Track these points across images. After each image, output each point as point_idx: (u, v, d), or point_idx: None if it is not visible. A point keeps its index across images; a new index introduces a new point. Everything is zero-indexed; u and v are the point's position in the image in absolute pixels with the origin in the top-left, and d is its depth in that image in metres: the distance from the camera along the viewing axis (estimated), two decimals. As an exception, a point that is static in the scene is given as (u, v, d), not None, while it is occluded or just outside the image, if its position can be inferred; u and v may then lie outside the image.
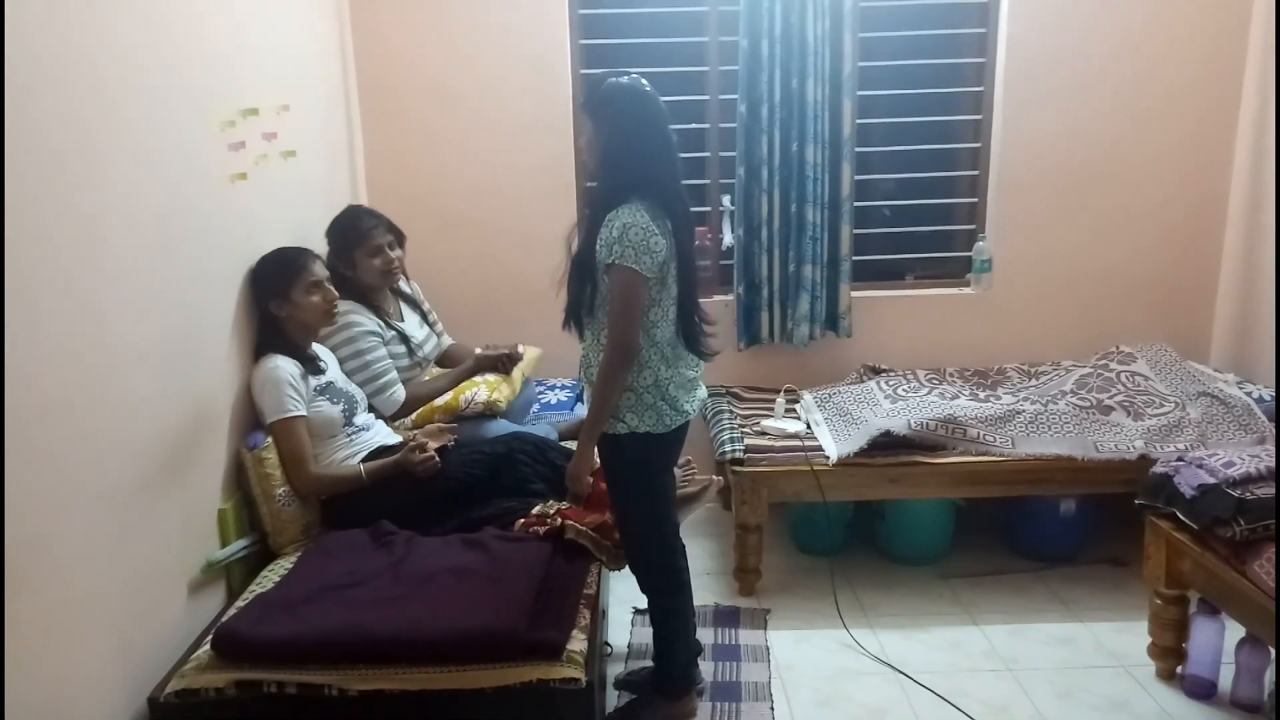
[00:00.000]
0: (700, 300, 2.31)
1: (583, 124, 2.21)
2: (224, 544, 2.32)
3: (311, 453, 2.46)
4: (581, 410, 3.43)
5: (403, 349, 2.95)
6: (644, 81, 2.20)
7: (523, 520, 2.37)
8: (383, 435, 2.67)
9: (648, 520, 2.34)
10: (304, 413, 2.45)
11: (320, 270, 2.56)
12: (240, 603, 2.14)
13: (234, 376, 2.41)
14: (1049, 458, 3.02)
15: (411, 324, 3.07)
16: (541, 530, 2.33)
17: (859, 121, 3.54)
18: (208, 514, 2.28)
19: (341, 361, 2.75)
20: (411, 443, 2.54)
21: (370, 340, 2.84)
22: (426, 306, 3.23)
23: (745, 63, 3.43)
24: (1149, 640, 2.67)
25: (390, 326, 2.94)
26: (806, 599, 3.14)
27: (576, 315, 2.24)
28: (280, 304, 2.49)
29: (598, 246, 2.14)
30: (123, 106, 1.93)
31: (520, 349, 3.10)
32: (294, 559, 2.32)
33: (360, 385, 2.74)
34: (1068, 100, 3.61)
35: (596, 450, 2.30)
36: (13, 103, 1.57)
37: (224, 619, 2.03)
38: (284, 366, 2.44)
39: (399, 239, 3.01)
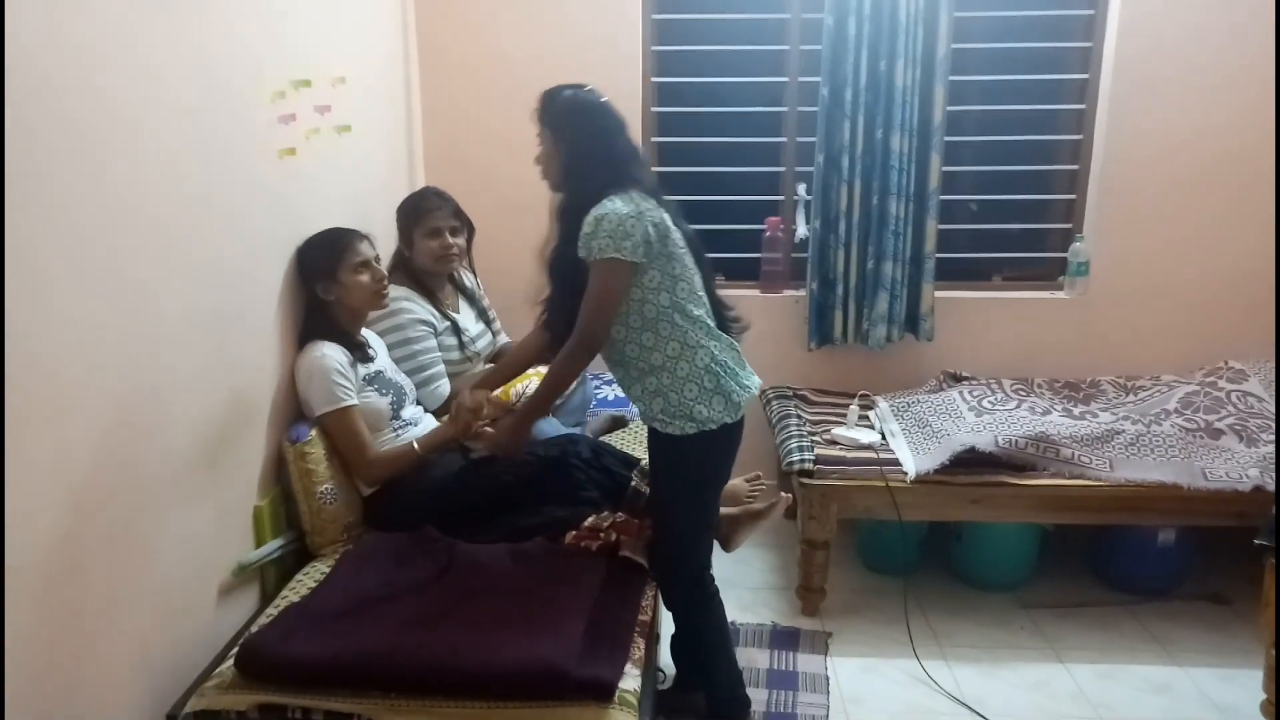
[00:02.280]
0: (768, 294, 2.15)
1: (542, 133, 2.14)
2: (259, 544, 2.19)
3: (369, 439, 2.34)
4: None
5: (454, 341, 2.79)
6: (598, 93, 2.15)
7: (574, 533, 2.20)
8: (424, 428, 2.50)
9: (695, 530, 2.18)
10: (355, 401, 2.31)
11: (367, 249, 2.40)
12: (272, 610, 2.00)
13: (277, 364, 2.27)
14: (1151, 484, 2.75)
15: (467, 317, 2.91)
16: (594, 545, 2.15)
17: (949, 108, 3.27)
18: (243, 511, 2.15)
19: (389, 349, 2.60)
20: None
21: (420, 329, 2.69)
22: (486, 303, 3.07)
23: (830, 42, 3.19)
24: (1263, 696, 2.40)
25: (445, 316, 2.79)
26: (874, 622, 2.92)
27: (563, 327, 2.11)
28: (327, 286, 2.34)
29: (579, 250, 2.02)
30: (163, 72, 1.78)
31: None
32: (331, 562, 2.18)
33: (406, 375, 2.60)
34: (1182, 91, 3.30)
35: (655, 454, 2.16)
36: (36, 66, 1.42)
37: (250, 632, 1.89)
38: (331, 355, 2.29)
39: (465, 228, 2.87)
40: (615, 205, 1.98)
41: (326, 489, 2.25)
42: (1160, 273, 3.44)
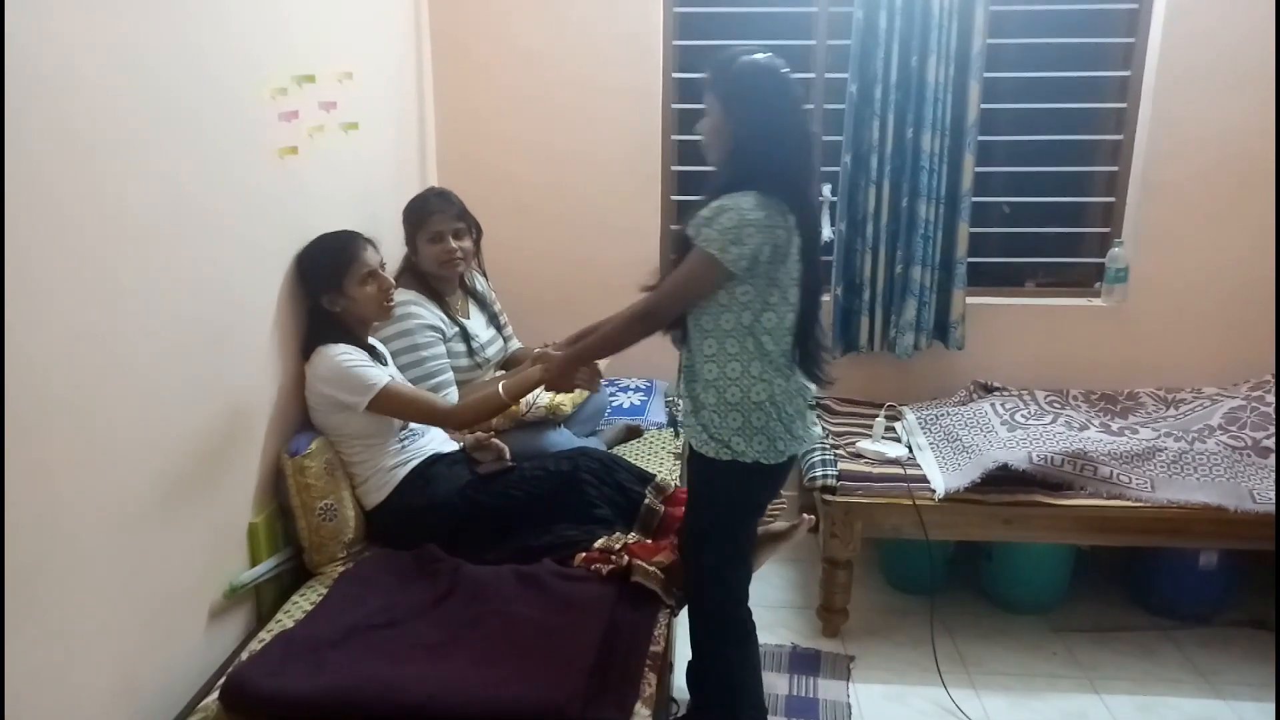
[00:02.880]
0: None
1: (710, 103, 1.93)
2: (254, 562, 2.09)
3: (426, 395, 2.30)
4: (655, 412, 3.14)
5: (463, 347, 2.68)
6: (781, 62, 1.92)
7: (584, 555, 2.09)
8: (438, 442, 2.40)
9: (723, 561, 2.05)
10: (388, 379, 2.21)
11: (372, 256, 2.29)
12: (264, 634, 1.90)
13: (274, 373, 2.17)
14: (1195, 506, 2.60)
15: (477, 323, 2.80)
16: (605, 569, 2.04)
17: (983, 106, 3.12)
18: (237, 529, 2.05)
19: (395, 355, 2.50)
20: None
21: (428, 335, 2.58)
22: (498, 307, 2.96)
23: (859, 37, 3.05)
24: (1315, 737, 2.26)
25: (454, 322, 2.69)
26: (899, 645, 2.79)
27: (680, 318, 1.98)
28: (333, 298, 2.23)
29: (688, 226, 1.89)
30: (154, 66, 1.68)
31: None
32: (330, 581, 2.08)
33: (412, 384, 2.49)
34: (1229, 88, 3.12)
35: (693, 473, 2.05)
36: (21, 55, 1.32)
37: (239, 661, 1.79)
38: (347, 351, 2.20)
39: (472, 230, 2.75)
40: (746, 204, 1.83)
41: (326, 504, 2.15)
42: (1203, 280, 3.28)
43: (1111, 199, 3.33)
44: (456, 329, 2.69)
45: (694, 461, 2.02)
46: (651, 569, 2.05)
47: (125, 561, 1.65)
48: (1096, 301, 3.36)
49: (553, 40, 3.24)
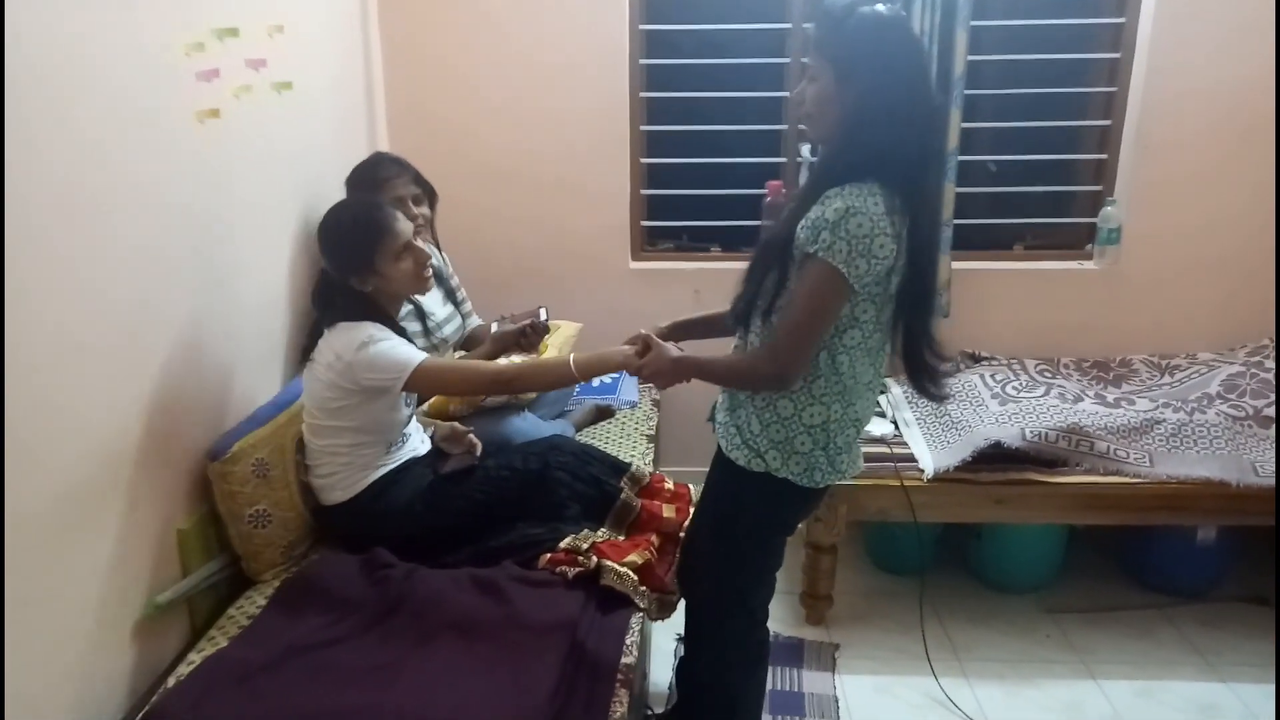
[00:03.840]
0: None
1: (817, 66, 1.60)
2: (185, 571, 1.89)
3: (470, 364, 2.12)
4: (628, 390, 2.96)
5: (418, 326, 2.48)
6: (904, 15, 1.62)
7: (549, 556, 1.91)
8: (416, 441, 2.19)
9: (750, 582, 1.87)
10: (424, 354, 1.97)
11: (406, 228, 2.03)
12: (194, 656, 1.71)
13: (199, 366, 1.95)
14: (1196, 481, 2.47)
15: (433, 299, 2.59)
16: (571, 572, 1.86)
17: (969, 59, 2.93)
18: (164, 535, 1.85)
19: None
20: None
21: None
22: (455, 282, 2.75)
23: (838, -17, 2.83)
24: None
25: (407, 299, 2.47)
26: (887, 632, 2.66)
27: (748, 314, 1.69)
28: (364, 278, 1.98)
29: (801, 227, 1.58)
30: (68, 15, 1.45)
31: (543, 314, 2.53)
32: (269, 591, 1.89)
33: None
34: (1228, 39, 2.95)
35: (715, 478, 1.85)
36: None
37: (164, 688, 1.60)
38: (377, 333, 1.95)
39: (428, 196, 2.55)
40: (875, 206, 1.52)
41: (256, 511, 1.94)
42: (1199, 241, 3.13)
43: (1104, 156, 3.16)
44: (410, 306, 2.48)
45: (718, 466, 1.80)
46: (623, 570, 1.88)
47: (25, 582, 1.45)
48: (1088, 264, 3.21)
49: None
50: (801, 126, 2.55)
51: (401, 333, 2.05)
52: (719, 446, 1.81)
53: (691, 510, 2.10)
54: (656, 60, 3.15)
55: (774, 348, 1.62)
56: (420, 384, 1.96)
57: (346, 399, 1.96)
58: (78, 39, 1.54)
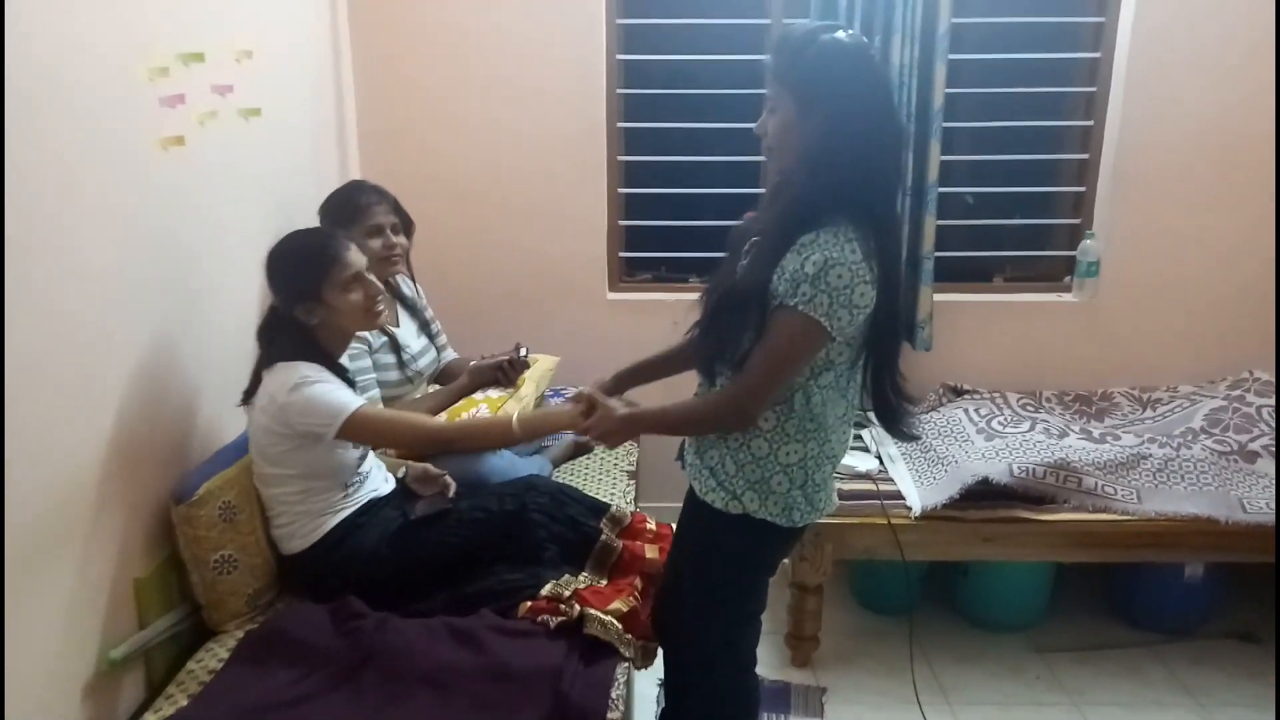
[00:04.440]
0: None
1: (778, 96, 1.55)
2: (143, 623, 1.78)
3: (407, 416, 2.02)
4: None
5: (392, 359, 2.39)
6: (867, 42, 1.59)
7: (530, 604, 1.82)
8: (378, 479, 2.09)
9: (735, 627, 1.79)
10: (362, 399, 1.91)
11: (358, 259, 1.95)
12: (152, 715, 1.60)
13: (161, 403, 1.86)
14: (1185, 518, 2.43)
15: (407, 332, 2.51)
16: (553, 621, 1.77)
17: (947, 90, 2.91)
18: (119, 585, 1.73)
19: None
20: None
21: (354, 348, 2.27)
22: (430, 314, 2.67)
23: (818, 14, 2.81)
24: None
25: (381, 331, 2.39)
26: (873, 674, 2.59)
27: (713, 365, 1.63)
28: (310, 308, 1.90)
29: (777, 278, 1.52)
30: (30, 35, 1.37)
31: (523, 351, 2.49)
32: (232, 643, 1.79)
33: None
34: (1206, 71, 2.96)
35: (690, 521, 1.78)
36: None
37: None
38: (313, 373, 1.86)
39: (405, 226, 2.48)
40: (853, 254, 1.47)
41: (223, 556, 1.85)
42: (1178, 273, 3.12)
43: (1082, 188, 3.16)
44: (384, 339, 2.40)
45: (693, 509, 1.72)
46: (607, 618, 1.80)
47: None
48: (1067, 297, 3.19)
49: (485, 13, 2.95)
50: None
51: (342, 374, 1.96)
52: (691, 489, 1.74)
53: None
54: (634, 90, 3.11)
55: (738, 391, 1.57)
56: (354, 433, 1.86)
57: (284, 444, 1.87)
58: (34, 58, 1.45)
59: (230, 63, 2.13)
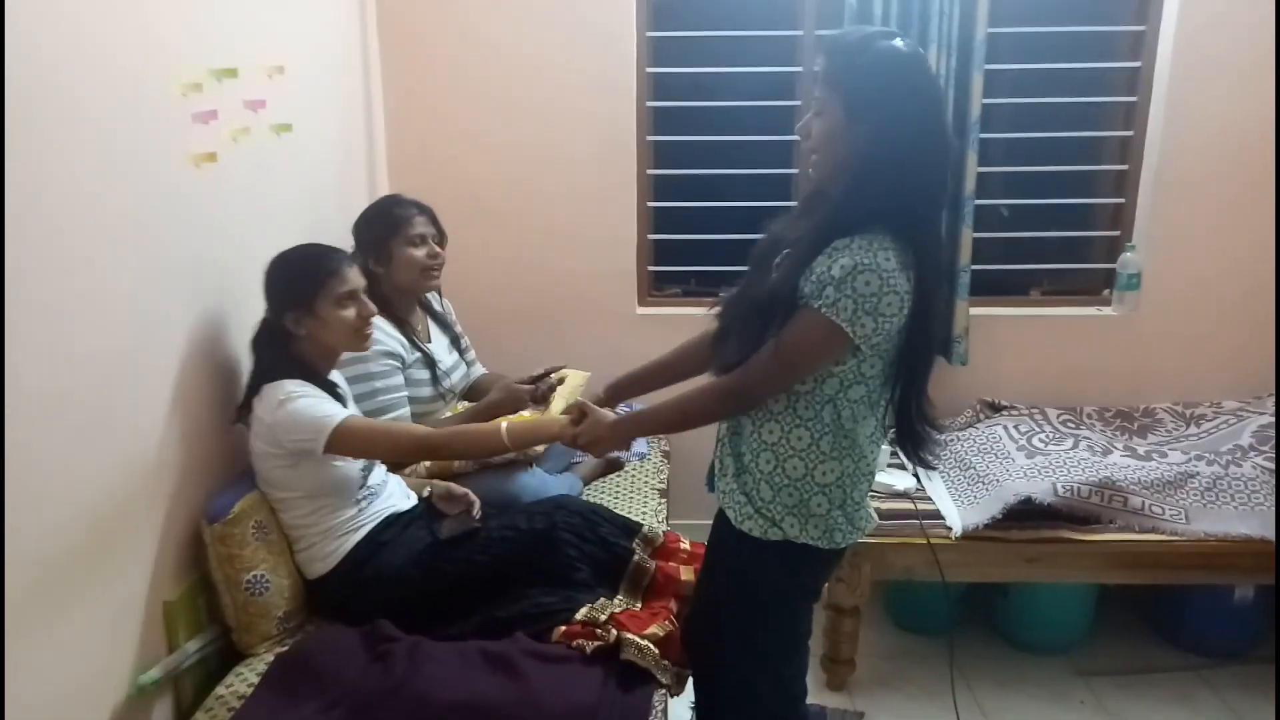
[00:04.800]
0: None
1: (827, 100, 1.50)
2: (173, 646, 1.75)
3: (397, 426, 1.98)
4: (637, 441, 2.83)
5: (426, 375, 2.37)
6: (923, 53, 1.54)
7: (565, 629, 1.78)
8: (396, 498, 2.07)
9: (783, 658, 1.74)
10: (350, 410, 1.89)
11: (356, 278, 1.94)
12: (180, 742, 1.58)
13: (189, 422, 1.83)
14: (1236, 539, 2.36)
15: (439, 347, 2.48)
16: (590, 646, 1.73)
17: (984, 101, 2.86)
18: (149, 608, 1.71)
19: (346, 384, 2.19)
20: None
21: (386, 364, 2.26)
22: (459, 329, 2.64)
23: (852, 23, 2.77)
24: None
25: (415, 346, 2.37)
26: (912, 697, 2.52)
27: (733, 357, 1.58)
28: (299, 318, 1.88)
29: (804, 279, 1.49)
30: (27, 53, 1.34)
31: (554, 375, 2.38)
32: (264, 664, 1.76)
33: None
34: (1249, 80, 2.89)
35: (724, 549, 1.72)
36: None
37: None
38: (298, 389, 1.83)
39: (441, 238, 2.45)
40: (886, 261, 1.43)
41: (255, 576, 1.82)
42: (1220, 286, 3.05)
43: (1121, 200, 3.09)
44: (418, 355, 2.37)
45: (729, 537, 1.66)
46: (644, 643, 1.75)
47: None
48: (1106, 310, 3.12)
49: (514, 29, 2.93)
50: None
51: (331, 389, 1.92)
52: (724, 515, 1.69)
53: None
54: (664, 103, 3.08)
55: (740, 381, 1.54)
56: (343, 445, 1.82)
57: (281, 464, 1.85)
58: (64, 75, 1.44)
59: (263, 78, 2.12)
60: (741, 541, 1.63)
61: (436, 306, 2.58)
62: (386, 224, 2.34)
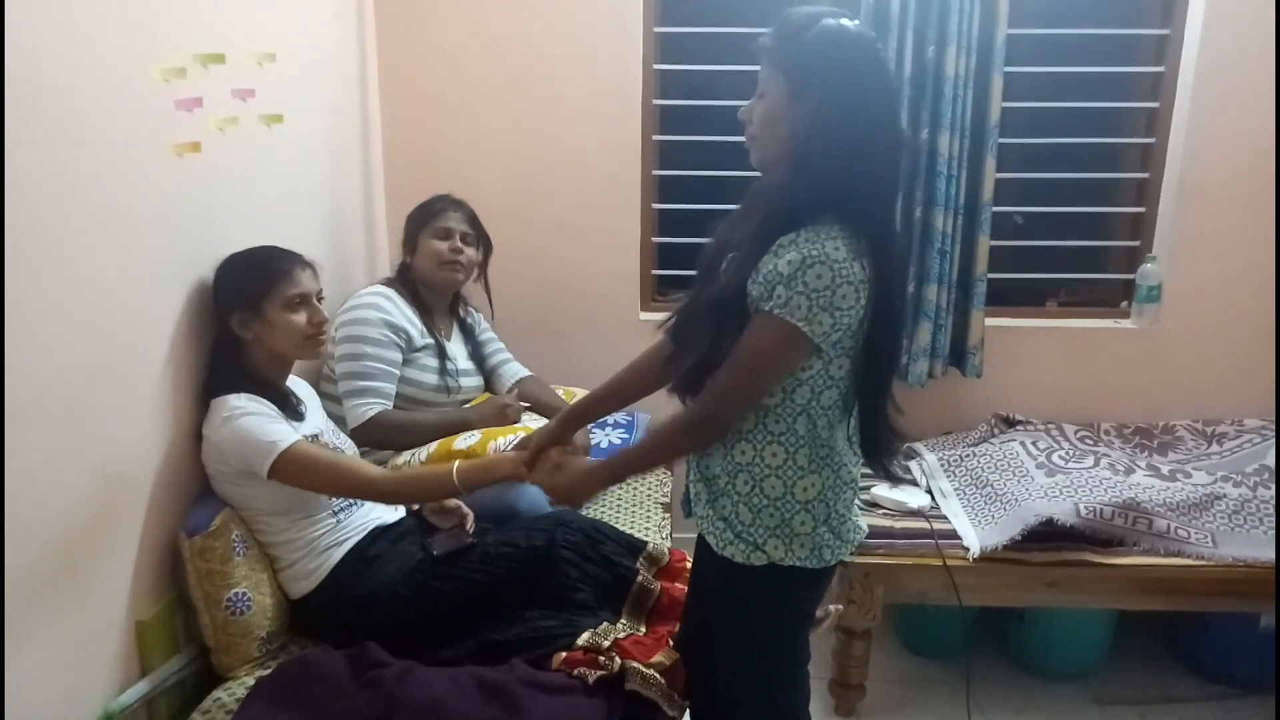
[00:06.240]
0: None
1: (769, 79, 1.44)
2: (145, 670, 1.64)
3: (346, 460, 1.82)
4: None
5: (434, 363, 2.35)
6: (872, 33, 1.48)
7: (566, 655, 1.66)
8: (382, 507, 1.95)
9: (781, 689, 1.64)
10: (297, 436, 1.75)
11: (309, 281, 1.83)
12: (150, 776, 1.46)
13: (167, 428, 1.71)
14: (1265, 564, 2.26)
15: (457, 347, 2.49)
16: (592, 676, 1.62)
17: (1004, 104, 2.77)
18: (121, 629, 1.59)
19: (336, 345, 2.19)
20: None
21: (383, 333, 2.25)
22: (491, 349, 2.61)
23: (869, 22, 2.66)
24: None
25: (431, 335, 2.37)
26: (924, 726, 2.42)
27: (694, 386, 1.48)
28: (246, 320, 1.78)
29: (752, 282, 1.40)
30: (23, 33, 1.24)
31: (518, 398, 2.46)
32: (241, 691, 1.64)
33: (337, 381, 2.20)
34: (1274, 86, 2.80)
35: (709, 576, 1.63)
36: None
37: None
38: (246, 405, 1.72)
39: (481, 242, 2.48)
40: (835, 251, 1.35)
41: (237, 594, 1.70)
42: (1244, 301, 2.95)
43: (1142, 209, 3.00)
44: (431, 342, 2.36)
45: (712, 563, 1.55)
46: (649, 672, 1.65)
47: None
48: (1125, 323, 3.02)
49: (516, 19, 2.82)
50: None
51: (284, 400, 1.81)
52: (704, 542, 1.58)
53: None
54: (671, 101, 2.97)
55: (704, 407, 1.45)
56: (285, 472, 1.69)
57: (237, 483, 1.74)
58: (29, 51, 1.32)
59: (253, 66, 2.01)
60: (724, 570, 1.54)
61: (468, 320, 2.58)
62: (422, 214, 2.44)
